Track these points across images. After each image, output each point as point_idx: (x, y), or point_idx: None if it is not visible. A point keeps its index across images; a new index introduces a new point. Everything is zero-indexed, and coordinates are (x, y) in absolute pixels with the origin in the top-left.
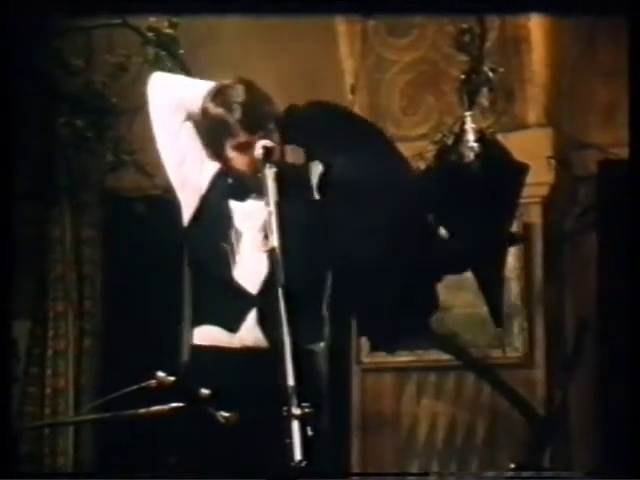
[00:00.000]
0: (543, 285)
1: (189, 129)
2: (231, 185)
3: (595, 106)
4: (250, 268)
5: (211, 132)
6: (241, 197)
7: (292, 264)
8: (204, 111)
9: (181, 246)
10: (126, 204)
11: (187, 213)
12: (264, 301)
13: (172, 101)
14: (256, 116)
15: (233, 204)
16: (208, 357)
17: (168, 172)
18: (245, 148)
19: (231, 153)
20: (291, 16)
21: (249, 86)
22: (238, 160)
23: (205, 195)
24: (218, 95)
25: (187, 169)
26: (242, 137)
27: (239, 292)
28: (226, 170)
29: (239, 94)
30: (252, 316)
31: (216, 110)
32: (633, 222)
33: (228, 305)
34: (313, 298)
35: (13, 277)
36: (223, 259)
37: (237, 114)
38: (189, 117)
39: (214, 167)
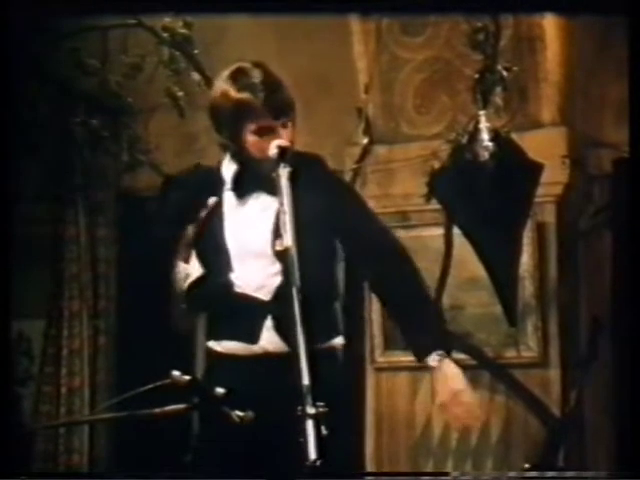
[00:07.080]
0: (557, 284)
1: None
2: (234, 190)
3: (609, 105)
4: (259, 274)
5: (231, 115)
6: (244, 203)
7: (303, 264)
8: (224, 94)
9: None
10: (141, 204)
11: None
12: (279, 306)
13: None
14: (278, 100)
15: (236, 211)
16: (228, 364)
17: None
18: (265, 132)
19: (250, 137)
20: (305, 15)
21: (264, 68)
22: (255, 144)
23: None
24: (238, 77)
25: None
26: (264, 122)
27: (252, 301)
28: (239, 153)
29: (258, 76)
30: (269, 324)
31: (239, 94)
32: None
33: (243, 317)
34: (326, 297)
35: (12, 277)
36: (228, 272)
37: (261, 97)
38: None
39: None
